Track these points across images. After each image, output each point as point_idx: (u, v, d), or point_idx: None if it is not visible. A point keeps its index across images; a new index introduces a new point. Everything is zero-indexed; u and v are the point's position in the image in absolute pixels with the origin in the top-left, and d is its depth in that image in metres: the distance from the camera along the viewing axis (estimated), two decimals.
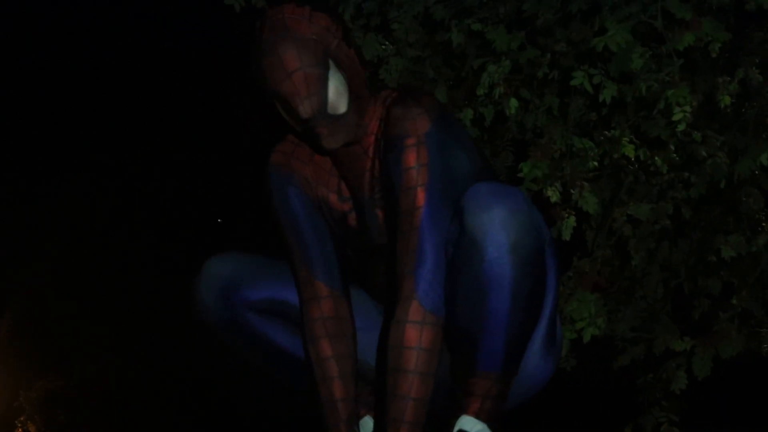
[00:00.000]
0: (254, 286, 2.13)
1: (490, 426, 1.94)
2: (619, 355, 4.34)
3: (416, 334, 1.88)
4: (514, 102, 3.33)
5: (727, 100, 3.18)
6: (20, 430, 23.95)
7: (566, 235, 3.60)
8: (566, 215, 3.58)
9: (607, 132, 3.48)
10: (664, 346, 4.03)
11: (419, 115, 1.93)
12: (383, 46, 3.74)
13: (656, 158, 3.46)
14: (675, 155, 3.45)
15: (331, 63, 1.95)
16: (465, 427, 1.93)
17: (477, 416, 1.94)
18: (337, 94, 1.96)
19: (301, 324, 2.11)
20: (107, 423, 24.64)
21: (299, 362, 2.14)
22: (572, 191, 3.56)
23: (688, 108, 3.01)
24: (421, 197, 1.91)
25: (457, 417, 1.95)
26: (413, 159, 1.92)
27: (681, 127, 3.06)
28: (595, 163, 3.63)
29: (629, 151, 3.45)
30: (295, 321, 2.13)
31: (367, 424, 2.19)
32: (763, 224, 4.00)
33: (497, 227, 1.82)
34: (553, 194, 3.52)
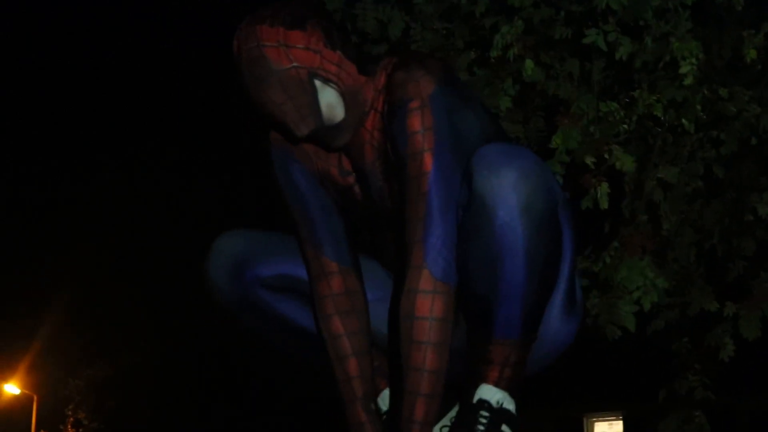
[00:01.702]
0: (266, 263, 2.09)
1: (510, 394, 1.90)
2: (653, 319, 4.28)
3: (427, 304, 1.84)
4: (530, 63, 3.27)
5: (753, 53, 3.11)
6: (71, 418, 24.30)
7: (604, 204, 3.54)
8: (597, 183, 3.51)
9: (632, 93, 3.40)
10: (698, 310, 3.96)
11: (422, 77, 1.88)
12: (407, 21, 3.69)
13: (683, 119, 3.37)
14: (702, 114, 3.37)
15: (317, 83, 1.91)
16: (485, 396, 1.89)
17: (497, 384, 1.89)
18: (329, 108, 1.93)
19: (311, 301, 2.08)
20: (154, 409, 24.92)
21: (314, 338, 2.10)
22: (605, 155, 3.49)
23: (694, 61, 2.92)
24: (427, 162, 1.85)
25: (476, 386, 1.90)
26: (418, 123, 1.87)
27: (688, 81, 2.97)
28: (625, 126, 3.56)
29: (657, 111, 3.37)
30: (308, 296, 2.10)
31: (387, 397, 2.15)
32: None
33: (507, 189, 1.77)
34: (588, 160, 3.45)
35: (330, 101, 1.92)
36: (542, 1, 3.33)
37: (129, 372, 24.81)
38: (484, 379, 1.90)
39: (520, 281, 1.82)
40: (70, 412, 24.29)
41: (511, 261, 1.80)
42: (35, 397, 23.36)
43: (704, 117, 3.42)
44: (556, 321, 1.99)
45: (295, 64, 1.88)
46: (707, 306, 3.98)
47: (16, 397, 24.05)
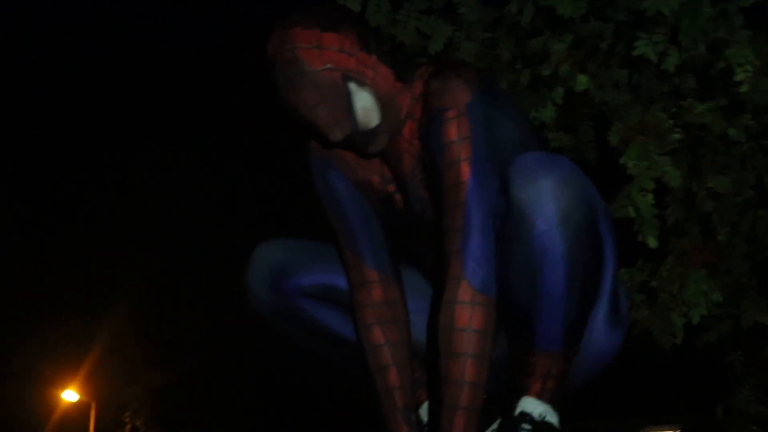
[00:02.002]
0: (305, 272, 2.09)
1: (553, 407, 1.87)
2: (706, 331, 4.21)
3: (466, 316, 1.82)
4: (582, 78, 3.22)
5: None
6: (129, 425, 24.52)
7: (648, 214, 3.47)
8: (643, 195, 3.45)
9: (681, 102, 3.35)
10: (751, 322, 3.89)
11: (458, 86, 1.86)
12: (451, 31, 3.66)
13: (730, 130, 3.31)
14: (752, 122, 3.30)
15: (351, 85, 1.89)
16: (527, 409, 1.87)
17: (539, 397, 1.87)
18: (365, 112, 1.91)
19: (351, 311, 2.07)
20: (211, 416, 25.06)
21: (354, 348, 2.10)
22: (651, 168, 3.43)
23: (750, 68, 2.86)
24: (465, 171, 1.84)
25: (518, 399, 1.88)
26: (454, 132, 1.85)
27: (744, 89, 2.91)
28: (676, 136, 3.51)
29: (707, 119, 3.31)
30: (348, 306, 2.09)
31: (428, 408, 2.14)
32: None
33: (546, 198, 1.74)
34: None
35: (365, 105, 1.91)
36: (590, 14, 3.28)
37: (186, 379, 24.99)
38: (526, 392, 1.88)
39: (559, 292, 1.80)
40: (127, 419, 24.50)
41: (550, 271, 1.78)
42: (93, 404, 23.60)
43: (755, 125, 3.35)
44: (600, 332, 1.96)
45: (329, 66, 1.87)
46: (760, 318, 3.91)
47: (74, 404, 24.32)
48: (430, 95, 1.89)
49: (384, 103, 1.92)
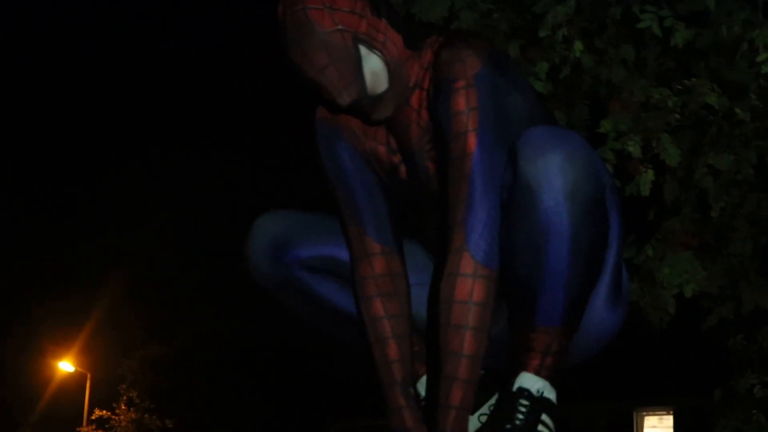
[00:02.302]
0: (306, 244, 2.07)
1: (551, 383, 1.85)
2: (707, 315, 4.19)
3: (467, 288, 1.80)
4: (579, 45, 3.19)
5: None
6: (124, 397, 24.59)
7: (645, 191, 3.47)
8: (644, 169, 3.44)
9: (686, 81, 3.32)
10: (752, 306, 3.88)
11: (468, 57, 1.84)
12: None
13: (736, 109, 3.28)
14: (758, 102, 3.28)
15: (362, 48, 1.87)
16: (525, 385, 1.85)
17: (537, 373, 1.85)
18: (374, 76, 1.88)
19: (352, 283, 2.05)
20: (207, 389, 25.14)
21: (354, 321, 2.08)
22: (653, 145, 3.41)
23: None
24: (471, 143, 1.81)
25: (516, 374, 1.86)
26: (463, 103, 1.83)
27: (766, 69, 2.89)
28: (677, 116, 3.48)
29: (712, 99, 3.28)
30: (349, 278, 2.07)
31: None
32: None
33: (554, 172, 1.72)
34: (633, 148, 3.39)
35: (374, 69, 1.88)
36: None
37: (182, 352, 25.07)
38: (525, 367, 1.86)
39: (564, 267, 1.78)
40: (123, 391, 24.57)
41: (555, 246, 1.76)
42: (89, 375, 23.68)
43: (760, 106, 3.33)
44: (600, 310, 1.94)
45: (340, 27, 1.84)
46: (762, 302, 3.89)
47: (70, 375, 24.41)
48: (440, 65, 1.87)
49: (393, 69, 1.90)
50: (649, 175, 3.40)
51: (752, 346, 4.29)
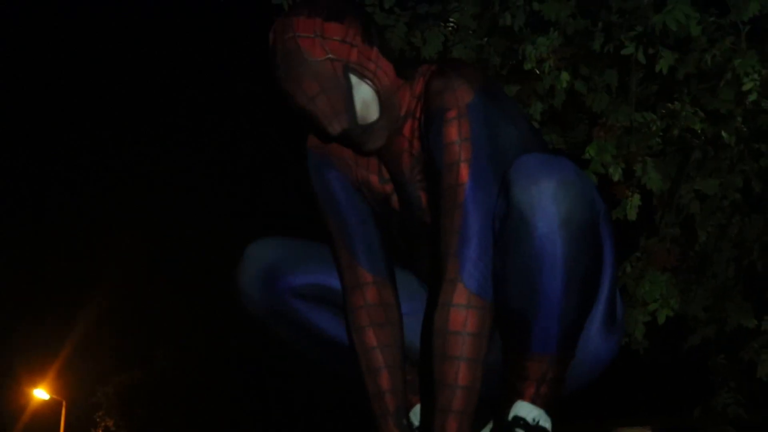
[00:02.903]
0: (298, 272, 2.05)
1: (547, 411, 1.84)
2: (690, 334, 4.21)
3: (461, 319, 1.79)
4: (565, 76, 3.21)
5: None
6: (100, 425, 24.39)
7: (632, 215, 3.48)
8: (630, 194, 3.45)
9: (670, 104, 3.33)
10: (735, 326, 3.89)
11: (460, 86, 1.83)
12: (446, 33, 3.64)
13: (723, 133, 3.30)
14: (743, 126, 3.30)
15: (352, 77, 1.86)
16: (521, 413, 1.83)
17: (533, 401, 1.83)
18: (364, 105, 1.88)
19: (344, 312, 2.03)
20: (183, 417, 24.95)
21: (346, 350, 2.07)
22: (635, 168, 3.43)
23: (756, 77, 2.87)
24: (464, 173, 1.81)
25: (512, 403, 1.85)
26: (455, 133, 1.82)
27: (753, 97, 2.92)
28: (658, 139, 3.50)
29: (695, 124, 3.30)
30: (341, 307, 2.06)
31: (420, 412, 2.10)
32: None
33: (547, 200, 1.71)
34: (615, 172, 3.40)
35: (365, 98, 1.87)
36: (579, 13, 3.27)
37: (158, 379, 24.88)
38: (520, 396, 1.84)
39: (558, 295, 1.76)
40: (99, 419, 24.37)
41: (549, 274, 1.75)
42: (64, 403, 23.47)
43: (745, 129, 3.35)
44: (595, 337, 1.94)
45: (330, 56, 1.84)
46: (745, 322, 3.91)
47: (45, 403, 24.18)
48: (432, 94, 1.86)
49: (384, 98, 1.89)
50: (635, 199, 3.42)
51: (733, 366, 4.30)
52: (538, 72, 3.29)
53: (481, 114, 1.82)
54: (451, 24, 3.68)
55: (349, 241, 2.01)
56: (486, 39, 3.71)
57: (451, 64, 1.89)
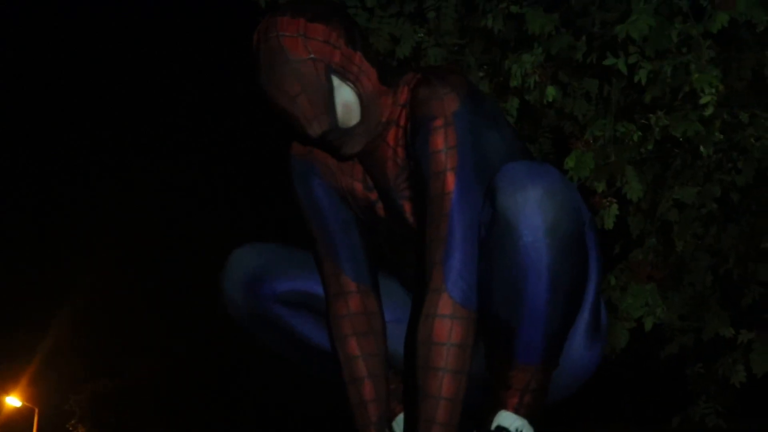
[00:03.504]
0: (282, 278, 2.04)
1: (530, 421, 1.83)
2: (668, 343, 4.23)
3: (446, 329, 1.78)
4: (551, 90, 3.23)
5: None
6: None
7: (609, 224, 3.49)
8: (608, 203, 3.46)
9: (651, 115, 3.35)
10: (712, 335, 3.92)
11: (446, 95, 1.83)
12: (420, 36, 3.65)
13: (701, 147, 3.32)
14: (721, 137, 3.32)
15: (334, 79, 1.85)
16: (504, 423, 1.83)
17: (516, 411, 1.83)
18: (345, 109, 1.87)
19: (327, 321, 2.02)
20: (157, 424, 24.83)
21: (329, 357, 2.06)
22: (617, 179, 3.44)
23: (714, 92, 2.89)
24: (450, 182, 1.80)
25: (495, 412, 1.84)
26: (441, 142, 1.81)
27: (708, 111, 2.94)
28: (642, 150, 3.52)
29: (675, 131, 3.31)
30: (325, 314, 2.05)
31: (403, 421, 2.10)
32: None
33: (532, 208, 1.70)
34: (599, 186, 3.41)
35: (346, 100, 1.87)
36: (563, 26, 3.28)
37: (131, 387, 24.75)
38: (504, 405, 1.84)
39: (543, 304, 1.76)
40: (71, 427, 24.21)
41: (534, 282, 1.74)
42: (36, 410, 23.30)
43: (723, 140, 3.37)
44: (579, 347, 1.93)
45: (313, 56, 1.83)
46: (722, 332, 3.93)
47: (17, 410, 23.99)
48: (417, 103, 1.85)
49: (365, 103, 1.88)
50: (613, 209, 3.43)
51: (710, 375, 4.32)
52: (523, 87, 3.30)
53: (467, 123, 1.82)
54: (426, 27, 3.68)
55: (332, 249, 2.00)
56: (463, 41, 3.72)
57: (436, 73, 1.88)
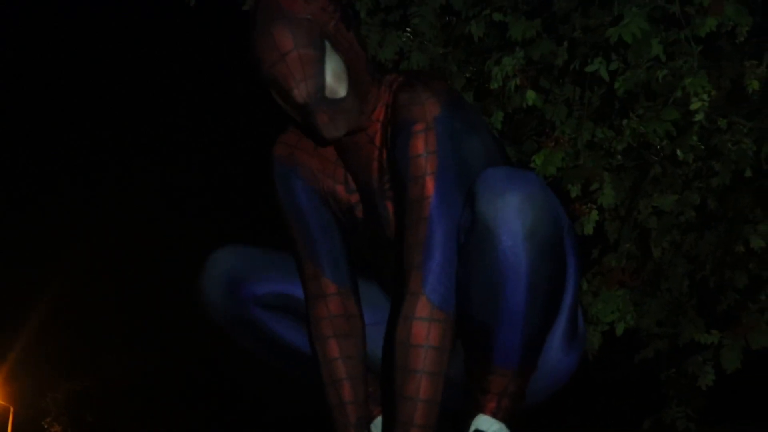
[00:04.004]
0: (261, 280, 2.05)
1: (507, 425, 1.85)
2: (643, 348, 4.26)
3: (424, 332, 1.79)
4: (531, 94, 3.25)
5: (755, 84, 3.10)
6: (50, 431, 24.11)
7: (588, 230, 3.51)
8: (588, 209, 3.48)
9: (627, 120, 3.37)
10: (688, 339, 3.95)
11: (428, 99, 1.84)
12: (404, 40, 3.66)
13: (678, 151, 3.35)
14: (699, 143, 3.34)
15: (327, 44, 1.85)
16: (481, 427, 1.84)
17: (494, 415, 1.84)
18: (334, 76, 1.86)
19: (306, 322, 2.03)
20: (134, 422, 24.74)
21: (308, 360, 2.06)
22: (593, 185, 3.46)
23: (705, 97, 2.92)
24: (429, 186, 1.81)
25: (473, 416, 1.86)
26: (421, 146, 1.83)
27: (699, 117, 2.96)
28: (619, 157, 3.54)
29: (651, 138, 3.33)
30: (304, 316, 2.06)
31: (381, 424, 2.11)
32: None
33: (512, 213, 1.72)
34: (573, 189, 3.43)
35: (336, 68, 1.86)
36: (544, 30, 3.30)
37: (108, 385, 24.65)
38: (481, 409, 1.85)
39: (521, 308, 1.77)
40: (47, 425, 24.09)
41: (513, 287, 1.76)
42: (11, 409, 23.18)
43: (701, 147, 3.40)
44: (556, 352, 1.95)
45: (309, 16, 1.83)
46: (697, 337, 3.96)
47: None
48: (399, 107, 1.86)
49: (354, 79, 1.88)
50: (593, 215, 3.45)
51: (681, 379, 4.35)
52: (503, 90, 3.32)
53: (448, 128, 1.83)
54: (408, 32, 3.70)
55: (313, 251, 2.01)
56: (446, 49, 3.73)
57: (418, 77, 1.90)
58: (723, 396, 4.65)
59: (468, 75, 3.75)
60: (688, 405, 4.34)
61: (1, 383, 23.59)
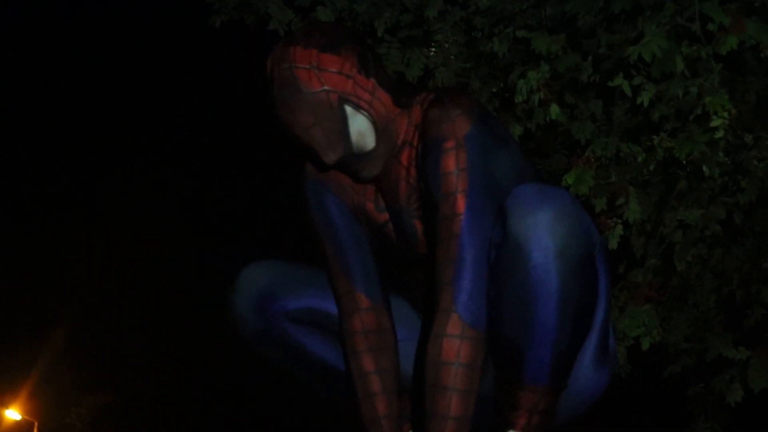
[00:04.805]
0: (292, 296, 2.05)
1: None
2: (671, 363, 4.25)
3: (455, 349, 1.79)
4: (555, 109, 3.26)
5: None
6: None
7: (613, 244, 3.52)
8: (613, 224, 3.49)
9: (654, 137, 3.37)
10: (716, 355, 3.93)
11: (458, 117, 1.85)
12: (430, 56, 3.68)
13: (703, 166, 3.34)
14: (726, 158, 3.34)
15: (347, 108, 1.88)
16: None
17: None
18: (360, 135, 1.90)
19: (341, 337, 2.04)
20: None
21: (339, 376, 2.07)
22: (619, 199, 3.46)
23: (726, 115, 2.92)
24: (461, 204, 1.82)
25: None
26: (452, 163, 1.84)
27: (719, 134, 2.97)
28: (644, 171, 3.54)
29: (679, 153, 3.33)
30: (335, 332, 2.06)
31: None
32: None
33: (543, 231, 1.73)
34: (598, 204, 3.44)
35: (360, 128, 1.89)
36: (569, 46, 3.31)
37: (132, 400, 24.70)
38: (512, 426, 1.86)
39: (552, 325, 1.78)
40: None
41: (544, 304, 1.76)
42: (36, 424, 23.25)
43: (728, 162, 3.39)
44: (587, 369, 1.95)
45: (326, 87, 1.85)
46: (725, 352, 3.95)
47: (17, 423, 23.93)
48: (429, 124, 1.87)
49: (380, 128, 1.91)
50: (618, 229, 3.45)
51: (709, 396, 4.33)
52: (527, 104, 3.33)
53: (478, 145, 1.84)
54: (433, 49, 3.72)
55: (346, 267, 2.01)
56: (469, 64, 3.75)
57: (448, 94, 1.90)
58: (751, 412, 4.62)
59: (494, 89, 3.76)
60: (715, 421, 4.33)
61: (26, 398, 23.65)
